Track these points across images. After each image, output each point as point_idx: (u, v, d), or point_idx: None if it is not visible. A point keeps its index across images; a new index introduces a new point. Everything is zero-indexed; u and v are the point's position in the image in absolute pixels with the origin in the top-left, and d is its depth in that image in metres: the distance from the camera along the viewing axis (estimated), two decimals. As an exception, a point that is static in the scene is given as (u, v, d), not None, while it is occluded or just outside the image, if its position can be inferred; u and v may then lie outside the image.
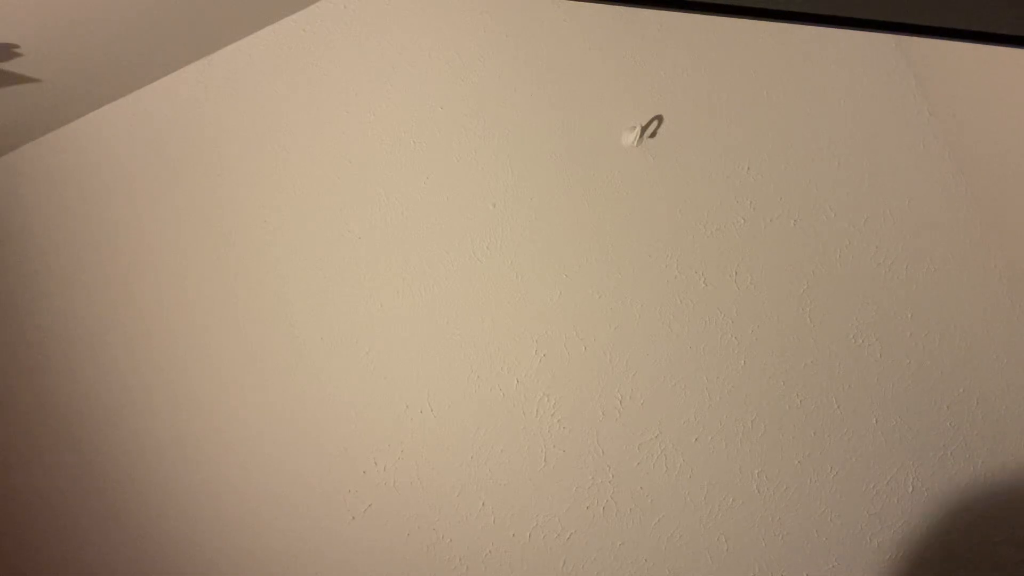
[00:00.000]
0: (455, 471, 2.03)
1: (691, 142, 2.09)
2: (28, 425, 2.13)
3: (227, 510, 2.07)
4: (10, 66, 1.86)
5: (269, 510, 2.05)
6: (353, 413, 2.06)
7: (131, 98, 2.19)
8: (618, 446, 2.00)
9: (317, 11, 2.16)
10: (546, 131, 2.11)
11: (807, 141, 2.07)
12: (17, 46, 1.80)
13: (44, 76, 1.95)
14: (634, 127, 2.05)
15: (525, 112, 2.12)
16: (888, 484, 1.97)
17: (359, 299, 2.09)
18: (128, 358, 2.12)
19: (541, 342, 2.04)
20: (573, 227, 2.08)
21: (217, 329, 2.11)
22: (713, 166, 2.08)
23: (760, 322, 2.02)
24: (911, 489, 1.97)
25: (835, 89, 2.08)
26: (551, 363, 2.04)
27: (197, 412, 2.09)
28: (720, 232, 2.05)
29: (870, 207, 2.04)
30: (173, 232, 2.15)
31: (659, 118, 2.09)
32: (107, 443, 2.10)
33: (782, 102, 2.09)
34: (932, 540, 1.95)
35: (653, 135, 2.09)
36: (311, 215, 2.12)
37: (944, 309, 2.00)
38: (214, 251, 2.13)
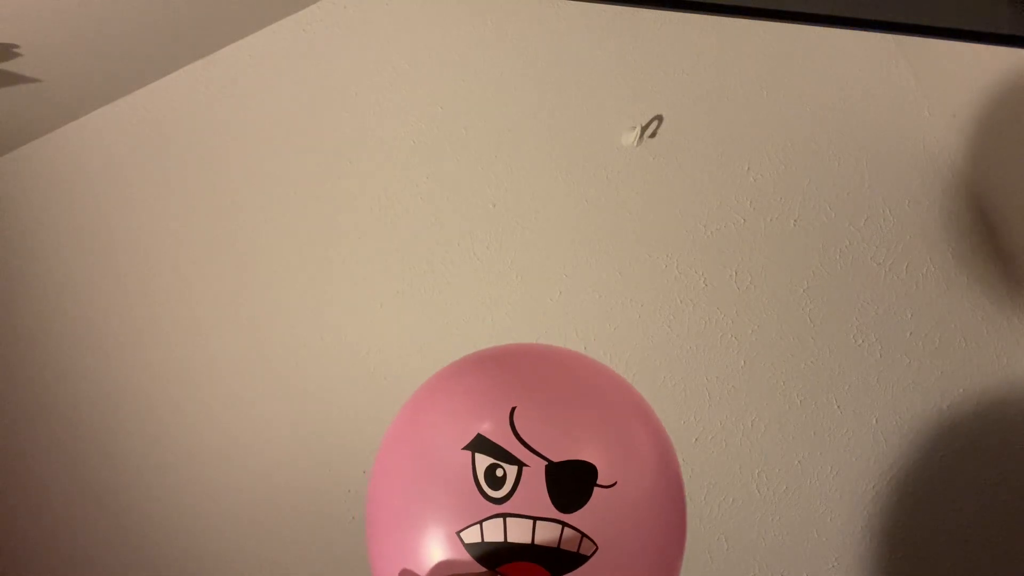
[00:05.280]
0: (455, 471, 2.02)
1: (691, 142, 2.09)
2: (26, 426, 2.13)
3: (226, 510, 2.06)
4: (10, 66, 1.86)
5: (268, 510, 2.05)
6: (353, 413, 2.06)
7: (131, 98, 2.19)
8: (618, 446, 2.00)
9: (317, 11, 2.17)
10: (546, 131, 2.11)
11: (807, 141, 2.07)
12: (17, 46, 1.80)
13: (44, 76, 1.95)
14: (634, 127, 2.05)
15: (525, 112, 2.12)
16: (888, 484, 1.97)
17: (359, 299, 2.09)
18: (127, 359, 2.12)
19: (541, 342, 2.04)
20: (573, 227, 2.08)
21: (217, 329, 2.11)
22: (713, 166, 2.08)
23: (760, 322, 2.02)
24: (911, 489, 1.97)
25: (835, 89, 2.08)
26: (551, 363, 2.03)
27: (196, 412, 2.09)
28: (720, 232, 2.05)
29: (870, 207, 2.04)
30: (173, 232, 2.15)
31: (659, 118, 2.10)
32: (105, 445, 2.10)
33: (782, 102, 2.09)
34: (933, 540, 1.95)
35: (653, 135, 2.09)
36: (311, 215, 2.12)
37: (944, 309, 2.00)
38: (214, 252, 2.13)
